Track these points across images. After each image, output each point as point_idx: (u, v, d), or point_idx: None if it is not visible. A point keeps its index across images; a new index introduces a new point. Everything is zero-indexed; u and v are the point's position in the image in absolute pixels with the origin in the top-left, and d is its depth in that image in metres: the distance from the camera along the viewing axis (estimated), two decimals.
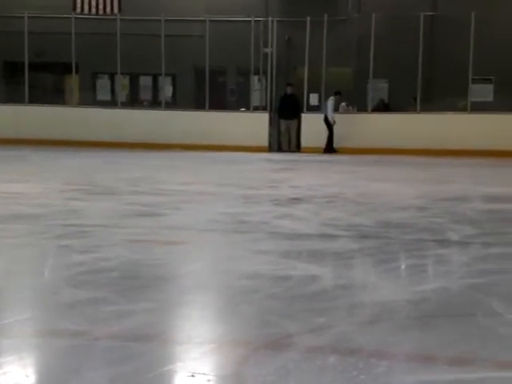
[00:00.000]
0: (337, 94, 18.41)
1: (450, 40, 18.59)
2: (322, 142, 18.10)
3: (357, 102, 19.43)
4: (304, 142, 18.61)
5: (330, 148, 18.07)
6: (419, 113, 18.43)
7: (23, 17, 19.11)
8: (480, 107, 17.90)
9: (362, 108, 19.25)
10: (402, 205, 8.26)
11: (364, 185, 10.66)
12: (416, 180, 11.67)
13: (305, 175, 13.08)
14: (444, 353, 3.12)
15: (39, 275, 4.60)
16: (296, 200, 8.71)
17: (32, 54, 19.39)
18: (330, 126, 18.07)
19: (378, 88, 19.43)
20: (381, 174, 13.22)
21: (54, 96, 21.13)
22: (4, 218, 6.84)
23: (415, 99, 18.35)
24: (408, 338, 3.35)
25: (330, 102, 18.15)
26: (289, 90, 19.04)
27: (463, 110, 18.30)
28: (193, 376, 2.77)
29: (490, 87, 18.70)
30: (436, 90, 19.29)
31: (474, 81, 18.16)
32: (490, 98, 18.54)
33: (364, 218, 7.10)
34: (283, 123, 19.05)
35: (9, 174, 11.36)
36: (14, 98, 19.81)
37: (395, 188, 10.23)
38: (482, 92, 18.39)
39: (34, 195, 8.61)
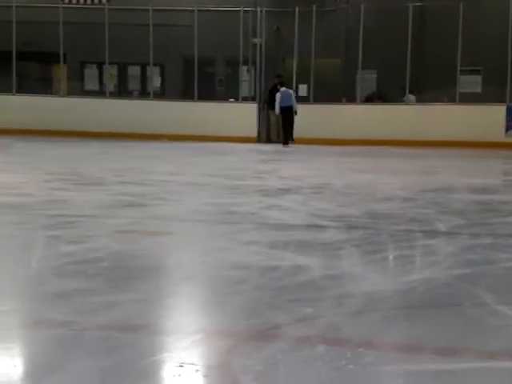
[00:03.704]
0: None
1: (439, 31, 18.58)
2: (311, 132, 18.04)
3: (345, 93, 19.42)
4: (293, 133, 18.58)
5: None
6: (407, 104, 18.45)
7: (11, 6, 18.96)
8: (468, 98, 17.94)
9: (350, 99, 19.25)
10: (389, 196, 8.27)
11: (351, 176, 10.67)
12: (403, 171, 11.69)
13: (293, 166, 13.08)
14: (431, 343, 3.14)
15: (26, 265, 4.58)
16: (284, 191, 8.72)
17: (20, 44, 19.25)
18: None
19: (367, 79, 19.42)
20: (367, 164, 13.24)
21: (42, 86, 21.02)
22: None
23: (404, 90, 18.35)
24: (395, 328, 3.37)
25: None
26: (278, 81, 18.99)
27: (451, 101, 18.32)
28: (181, 366, 2.77)
29: (478, 78, 18.74)
30: (424, 81, 19.30)
31: (463, 72, 18.17)
32: (479, 89, 18.57)
33: (351, 208, 7.11)
34: (273, 114, 19.02)
35: None
36: (1, 88, 19.67)
37: (382, 179, 10.25)
38: (471, 83, 18.43)
39: (21, 185, 8.57)
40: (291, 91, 17.75)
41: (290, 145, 17.33)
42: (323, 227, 6.00)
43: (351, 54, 19.01)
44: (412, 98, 18.96)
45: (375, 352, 2.99)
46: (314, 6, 18.30)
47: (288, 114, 17.53)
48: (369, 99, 19.59)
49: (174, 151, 15.50)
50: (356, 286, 4.05)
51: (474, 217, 6.79)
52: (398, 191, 8.67)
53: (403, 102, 18.63)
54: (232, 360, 2.89)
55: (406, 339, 3.20)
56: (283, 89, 17.78)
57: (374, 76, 19.89)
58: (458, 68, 17.98)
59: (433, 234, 5.85)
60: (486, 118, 17.58)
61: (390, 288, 4.02)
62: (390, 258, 5.18)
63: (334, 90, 19.16)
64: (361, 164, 13.25)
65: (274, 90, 18.81)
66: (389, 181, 9.97)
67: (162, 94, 20.53)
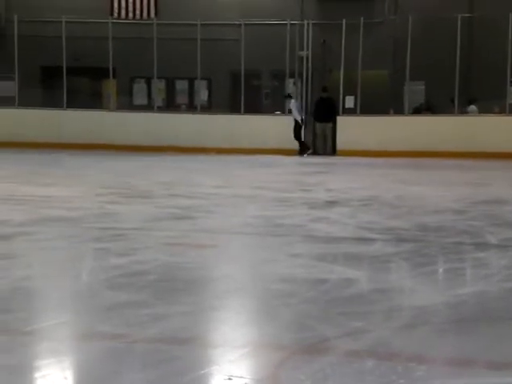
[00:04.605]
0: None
1: (488, 41, 18.38)
2: (358, 144, 17.96)
3: (393, 104, 19.29)
4: (340, 145, 18.54)
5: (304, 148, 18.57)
6: (456, 115, 18.25)
7: (61, 21, 19.31)
8: None
9: (397, 111, 19.13)
10: (438, 208, 8.17)
11: (399, 188, 10.58)
12: (452, 183, 11.55)
13: (340, 178, 13.03)
14: (483, 357, 3.08)
15: (77, 278, 4.64)
16: (331, 203, 8.68)
17: (70, 59, 19.57)
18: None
19: (415, 90, 19.28)
20: (416, 176, 13.11)
21: (92, 100, 21.31)
22: (42, 220, 6.90)
23: (453, 101, 18.16)
24: (447, 341, 3.32)
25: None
26: (324, 94, 18.98)
27: (501, 112, 18.08)
28: (230, 379, 2.76)
29: None
30: (473, 92, 19.08)
31: None
32: None
33: (400, 221, 7.04)
34: (319, 126, 19.03)
35: (47, 178, 11.48)
36: (52, 103, 20.01)
37: (431, 191, 10.13)
38: None
39: (71, 198, 8.69)
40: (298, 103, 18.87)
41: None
42: (372, 240, 5.95)
43: (399, 65, 18.90)
44: (474, 108, 18.76)
45: (426, 366, 2.94)
46: (362, 18, 18.25)
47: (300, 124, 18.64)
48: (417, 111, 19.44)
49: (221, 164, 15.57)
50: (406, 300, 4.00)
51: None
52: (448, 203, 8.56)
53: (466, 112, 18.47)
54: (281, 374, 2.88)
55: (457, 353, 3.14)
56: (293, 100, 18.69)
57: (422, 87, 19.74)
58: (508, 79, 17.73)
59: (484, 246, 5.76)
60: None
61: (441, 301, 3.96)
62: (440, 271, 5.11)
63: (381, 101, 19.05)
64: (409, 176, 13.13)
65: (320, 102, 18.85)
66: (438, 193, 9.85)
67: (209, 108, 20.67)
